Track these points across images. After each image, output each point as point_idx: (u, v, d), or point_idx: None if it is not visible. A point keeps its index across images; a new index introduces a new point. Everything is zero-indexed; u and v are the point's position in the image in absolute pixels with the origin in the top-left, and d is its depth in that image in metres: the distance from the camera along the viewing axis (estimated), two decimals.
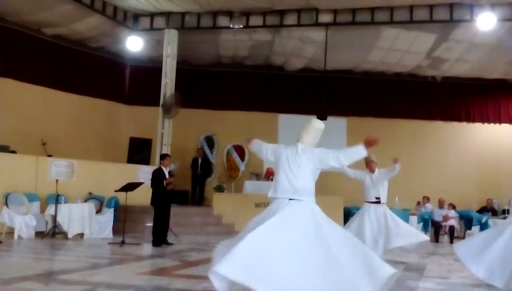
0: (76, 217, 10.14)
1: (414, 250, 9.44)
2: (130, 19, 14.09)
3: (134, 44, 14.05)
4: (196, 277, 6.25)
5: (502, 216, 13.44)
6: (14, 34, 12.93)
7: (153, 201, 9.60)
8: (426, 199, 14.47)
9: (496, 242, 6.17)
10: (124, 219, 10.04)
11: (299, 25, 13.47)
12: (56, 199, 10.04)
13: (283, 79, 16.37)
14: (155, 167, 11.16)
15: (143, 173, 12.71)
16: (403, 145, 15.41)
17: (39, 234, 10.08)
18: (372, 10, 12.82)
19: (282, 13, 13.31)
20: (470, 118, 16.54)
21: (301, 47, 14.81)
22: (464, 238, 13.30)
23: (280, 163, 4.56)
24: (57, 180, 10.32)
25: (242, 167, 16.09)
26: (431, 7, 12.52)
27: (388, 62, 15.33)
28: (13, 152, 11.24)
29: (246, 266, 3.89)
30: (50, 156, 11.80)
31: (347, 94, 16.25)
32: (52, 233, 10.01)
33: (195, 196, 14.99)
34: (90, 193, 11.22)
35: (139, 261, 7.90)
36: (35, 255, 8.21)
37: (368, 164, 8.34)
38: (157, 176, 9.62)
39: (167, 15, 13.89)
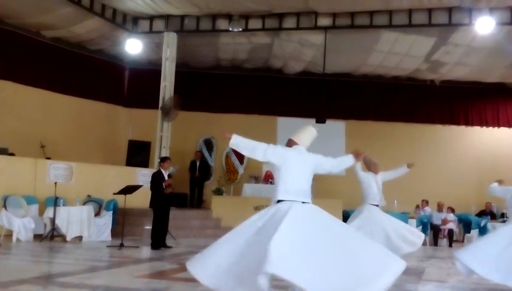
0: (74, 219, 10.13)
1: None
2: (130, 22, 14.10)
3: (133, 47, 14.06)
4: (194, 281, 6.21)
5: (501, 219, 13.46)
6: (14, 36, 12.94)
7: (152, 203, 9.59)
8: (425, 202, 14.47)
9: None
10: (122, 222, 10.02)
11: (298, 28, 13.49)
12: (55, 201, 10.03)
13: (282, 82, 16.39)
14: (154, 170, 11.16)
15: (142, 176, 12.70)
16: (402, 148, 15.43)
17: (38, 237, 10.06)
18: (371, 13, 12.85)
19: (281, 16, 13.34)
20: (469, 122, 16.58)
21: (300, 51, 14.83)
22: (463, 241, 13.32)
23: (287, 165, 4.52)
24: (55, 183, 10.32)
25: (241, 169, 16.09)
26: (430, 11, 12.55)
27: (387, 66, 15.36)
28: (12, 154, 11.24)
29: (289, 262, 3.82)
30: (49, 158, 11.79)
31: (346, 98, 16.27)
32: (51, 236, 9.99)
33: (194, 199, 14.99)
34: (88, 196, 11.21)
35: (137, 264, 7.88)
36: (33, 258, 8.20)
37: (373, 167, 8.29)
38: (157, 178, 9.61)
39: (167, 18, 13.91)
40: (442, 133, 16.51)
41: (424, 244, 13.09)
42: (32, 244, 9.53)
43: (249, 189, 14.14)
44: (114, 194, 9.92)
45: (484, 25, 12.19)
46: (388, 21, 12.83)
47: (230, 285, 4.05)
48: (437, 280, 7.35)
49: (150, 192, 9.68)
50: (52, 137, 13.12)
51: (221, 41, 14.58)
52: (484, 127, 16.58)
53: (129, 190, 9.71)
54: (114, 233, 10.68)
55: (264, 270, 3.71)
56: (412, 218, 13.36)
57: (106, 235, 10.66)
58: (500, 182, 7.19)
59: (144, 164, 13.90)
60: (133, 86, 16.32)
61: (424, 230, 13.27)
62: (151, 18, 14.07)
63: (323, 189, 13.68)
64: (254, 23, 13.50)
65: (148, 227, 10.35)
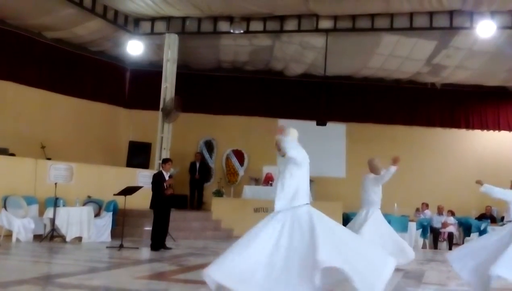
0: (74, 220, 10.13)
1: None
2: (131, 23, 14.12)
3: (134, 48, 14.08)
4: (194, 282, 6.24)
5: (501, 223, 13.44)
6: (15, 37, 12.95)
7: (153, 204, 9.59)
8: (425, 205, 14.46)
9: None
10: (122, 223, 10.02)
11: (299, 30, 13.51)
12: (55, 202, 10.03)
13: (283, 84, 16.39)
14: (154, 171, 11.16)
15: (142, 177, 12.71)
16: (402, 151, 15.28)
17: (37, 237, 10.06)
18: (372, 16, 12.86)
19: (282, 18, 13.35)
20: (470, 125, 16.58)
21: (301, 53, 14.84)
22: (462, 244, 13.29)
23: (307, 168, 4.67)
24: (56, 183, 10.32)
25: (241, 171, 16.09)
26: (431, 14, 12.56)
27: (388, 69, 15.36)
28: (12, 154, 11.25)
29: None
30: (49, 159, 11.80)
31: (347, 100, 16.27)
32: (50, 236, 9.99)
33: (194, 201, 14.98)
34: (89, 197, 11.21)
35: (137, 265, 7.87)
36: (33, 258, 8.20)
37: (376, 169, 8.23)
38: (158, 179, 9.62)
39: (168, 19, 13.93)
40: (442, 136, 16.51)
41: (424, 247, 13.17)
42: (32, 245, 9.52)
43: (249, 190, 14.14)
44: (114, 195, 9.92)
45: (485, 28, 12.20)
46: (389, 24, 12.85)
47: None
48: (437, 284, 7.34)
49: (150, 194, 9.68)
50: (52, 138, 13.12)
51: (222, 43, 14.59)
52: (485, 131, 16.58)
53: (129, 191, 9.71)
54: (114, 234, 10.67)
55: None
56: (412, 221, 13.34)
57: (106, 236, 10.66)
58: (478, 182, 7.18)
59: (145, 165, 13.91)
60: (134, 88, 16.34)
61: (424, 233, 13.28)
62: (153, 19, 14.09)
63: (323, 192, 13.68)
64: (255, 25, 13.52)
65: (148, 228, 10.34)
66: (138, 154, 14.20)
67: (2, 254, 8.31)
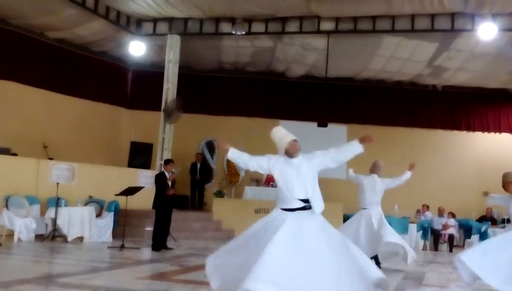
0: (76, 220, 10.16)
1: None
2: (133, 24, 14.15)
3: (136, 49, 14.10)
4: (195, 282, 6.26)
5: (501, 225, 13.45)
6: (17, 37, 12.99)
7: (156, 204, 9.62)
8: (426, 207, 14.47)
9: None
10: (124, 223, 10.06)
11: (301, 32, 13.53)
12: (57, 202, 10.07)
13: (284, 85, 16.41)
14: (156, 172, 11.18)
15: (143, 177, 12.74)
16: (403, 153, 15.41)
17: (39, 237, 10.09)
18: (373, 18, 12.88)
19: (284, 20, 13.38)
20: (471, 127, 16.58)
21: (303, 54, 14.87)
22: (463, 246, 13.32)
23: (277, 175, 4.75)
24: (57, 183, 10.35)
25: (242, 172, 16.09)
26: (432, 16, 12.57)
27: (389, 70, 15.38)
28: (14, 154, 11.28)
29: None
30: (51, 159, 11.82)
31: (348, 102, 16.29)
32: (52, 236, 10.02)
33: (195, 201, 15.01)
34: (90, 197, 11.24)
35: (138, 266, 7.90)
36: (34, 258, 8.23)
37: (381, 170, 8.32)
38: (160, 179, 9.66)
39: (170, 20, 13.96)
40: (443, 138, 16.52)
41: (424, 248, 13.18)
42: (34, 244, 9.55)
43: (250, 191, 14.17)
44: (115, 195, 9.94)
45: (487, 31, 12.21)
46: (391, 26, 12.86)
47: None
48: (437, 285, 7.35)
49: (151, 194, 9.72)
50: (54, 138, 13.16)
51: (224, 44, 14.62)
52: (486, 133, 16.59)
53: (130, 191, 9.74)
54: (115, 234, 10.70)
55: None
56: (413, 222, 13.36)
57: (107, 236, 10.68)
58: (485, 193, 7.25)
59: (146, 165, 13.93)
60: (136, 88, 16.37)
61: (424, 235, 13.29)
62: (155, 20, 14.12)
63: (323, 193, 13.68)
64: (257, 27, 13.55)
65: (149, 228, 10.37)
66: (140, 155, 14.22)
67: (4, 253, 8.34)
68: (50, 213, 10.09)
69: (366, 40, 13.76)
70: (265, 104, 16.27)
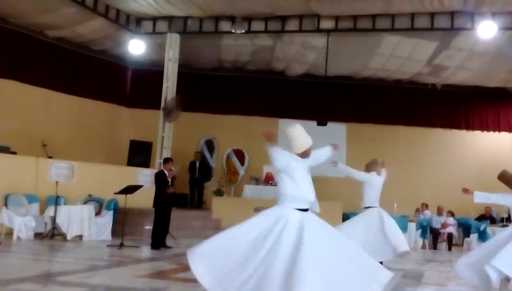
0: (75, 218, 10.16)
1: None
2: (133, 22, 14.15)
3: (136, 47, 14.11)
4: (194, 281, 6.23)
5: (500, 224, 13.45)
6: (17, 36, 12.99)
7: (156, 202, 9.62)
8: (425, 206, 14.48)
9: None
10: (123, 222, 10.06)
11: (300, 31, 13.53)
12: (56, 200, 10.07)
13: (284, 84, 16.42)
14: (155, 170, 11.18)
15: (143, 176, 12.74)
16: (402, 152, 15.45)
17: (38, 235, 10.09)
18: (373, 17, 12.88)
19: (284, 19, 13.37)
20: (470, 126, 16.60)
21: (302, 53, 14.86)
22: (462, 245, 13.33)
23: (293, 173, 4.67)
24: (57, 182, 10.34)
25: (241, 171, 16.12)
26: (432, 15, 12.57)
27: (389, 69, 15.38)
28: (14, 153, 11.27)
29: None
30: (50, 157, 11.82)
31: (347, 100, 16.30)
32: (51, 235, 10.02)
33: (194, 200, 15.02)
34: (89, 195, 11.24)
35: (137, 264, 7.91)
36: (33, 256, 8.23)
37: (378, 167, 8.29)
38: (160, 178, 9.66)
39: (170, 19, 13.95)
40: (442, 137, 16.53)
41: (423, 247, 13.19)
42: (33, 243, 9.56)
43: (249, 190, 14.18)
44: (115, 193, 9.94)
45: (486, 29, 12.22)
46: (390, 25, 12.86)
47: None
48: (436, 284, 7.37)
49: (150, 192, 9.72)
50: (54, 136, 13.15)
51: (223, 42, 14.62)
52: (485, 132, 16.60)
53: (130, 189, 9.74)
54: (115, 233, 10.71)
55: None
56: (412, 221, 13.36)
57: (107, 235, 10.69)
58: (466, 191, 7.11)
59: (145, 164, 13.94)
60: (136, 87, 16.37)
61: (423, 234, 13.30)
62: (154, 19, 14.11)
63: (323, 191, 13.67)
64: (257, 25, 13.55)
65: (148, 227, 10.37)
66: (139, 153, 14.22)
67: (3, 252, 8.35)
68: (50, 211, 10.09)
69: (365, 38, 13.76)
70: (264, 103, 16.28)
